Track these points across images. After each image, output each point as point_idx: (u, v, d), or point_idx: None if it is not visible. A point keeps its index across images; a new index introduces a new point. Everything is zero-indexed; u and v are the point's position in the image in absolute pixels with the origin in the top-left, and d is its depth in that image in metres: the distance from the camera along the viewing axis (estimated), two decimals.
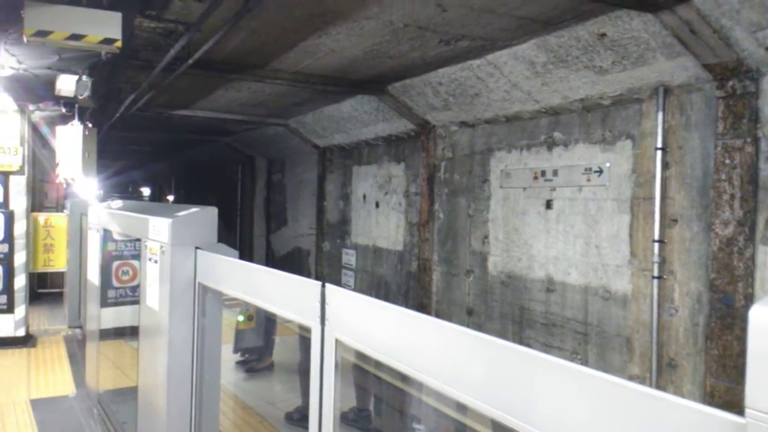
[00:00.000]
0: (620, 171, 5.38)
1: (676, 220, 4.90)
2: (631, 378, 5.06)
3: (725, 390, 4.35)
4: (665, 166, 4.97)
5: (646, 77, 4.94)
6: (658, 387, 4.92)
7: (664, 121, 4.96)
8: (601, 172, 5.55)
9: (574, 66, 5.27)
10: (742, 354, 4.26)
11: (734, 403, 4.26)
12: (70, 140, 7.73)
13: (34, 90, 7.18)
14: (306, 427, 2.31)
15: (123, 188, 32.58)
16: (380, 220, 9.44)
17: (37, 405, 5.84)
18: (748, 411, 0.94)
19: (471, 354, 1.58)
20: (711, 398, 4.43)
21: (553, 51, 5.26)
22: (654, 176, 5.03)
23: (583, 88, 5.47)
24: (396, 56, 6.14)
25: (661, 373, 4.98)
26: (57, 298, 10.83)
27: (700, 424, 1.03)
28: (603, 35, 4.77)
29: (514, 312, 6.55)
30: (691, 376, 4.77)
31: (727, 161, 4.35)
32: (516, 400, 1.43)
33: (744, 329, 4.23)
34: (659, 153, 4.98)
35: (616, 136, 5.43)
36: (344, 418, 5.20)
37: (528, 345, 4.71)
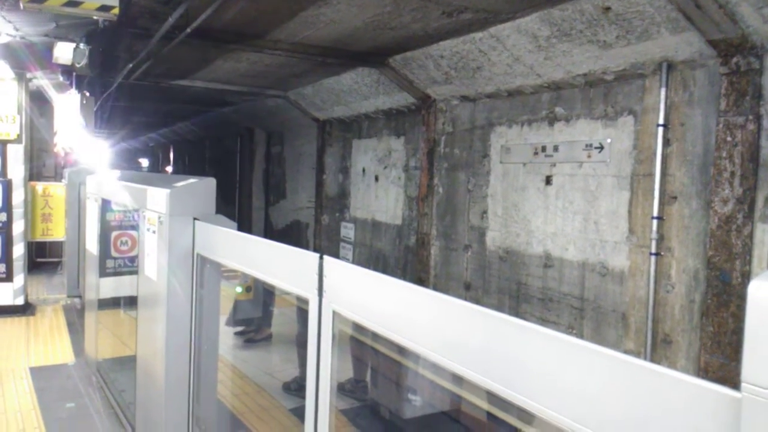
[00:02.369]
0: (621, 147, 5.35)
1: (675, 197, 4.89)
2: (625, 353, 5.11)
3: (719, 366, 4.39)
4: (666, 142, 4.95)
5: (649, 52, 4.88)
6: (653, 362, 4.95)
7: (666, 98, 4.92)
8: (601, 148, 5.52)
9: (578, 40, 5.21)
10: (737, 331, 4.29)
11: (728, 379, 4.31)
12: (68, 109, 7.67)
13: (32, 57, 7.10)
14: (303, 397, 2.33)
15: (121, 159, 32.44)
16: (379, 193, 9.42)
17: (37, 373, 5.89)
18: (744, 385, 0.94)
19: (467, 326, 1.59)
20: (705, 374, 4.47)
21: (557, 24, 5.19)
22: (655, 153, 5.01)
23: (586, 62, 5.41)
24: (397, 28, 6.06)
25: (656, 349, 5.02)
26: (56, 267, 10.86)
27: (697, 397, 1.03)
28: (608, 9, 4.71)
29: (512, 287, 6.58)
30: (685, 352, 4.80)
31: (729, 138, 4.33)
32: (512, 372, 1.44)
33: (740, 306, 4.26)
34: (661, 129, 4.95)
35: (618, 112, 5.40)
36: (341, 389, 5.25)
37: (524, 319, 4.74)
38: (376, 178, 9.51)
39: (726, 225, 4.36)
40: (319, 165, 11.31)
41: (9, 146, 7.92)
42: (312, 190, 11.82)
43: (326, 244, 11.11)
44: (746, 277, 4.24)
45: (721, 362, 4.38)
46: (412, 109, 8.43)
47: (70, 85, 7.91)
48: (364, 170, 9.90)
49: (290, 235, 13.17)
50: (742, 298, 4.24)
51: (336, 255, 10.41)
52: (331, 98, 9.90)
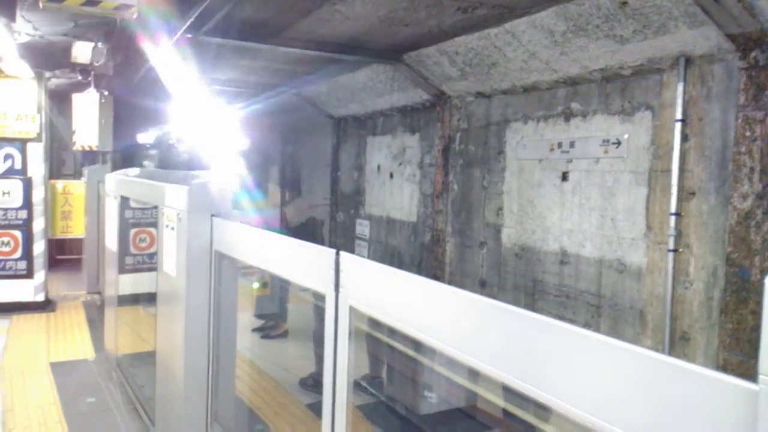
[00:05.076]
0: (638, 143, 5.31)
1: (693, 193, 4.85)
2: None
3: (738, 363, 4.35)
4: (684, 138, 4.90)
5: (667, 47, 4.84)
6: None
7: (684, 92, 4.87)
8: (619, 143, 5.49)
9: (594, 35, 5.18)
10: (756, 328, 4.25)
11: (747, 377, 4.26)
12: (86, 108, 7.75)
13: (50, 57, 7.19)
14: (319, 393, 2.35)
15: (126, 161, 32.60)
16: (394, 191, 9.43)
17: (57, 368, 5.98)
18: (761, 377, 0.94)
19: (485, 321, 1.59)
20: (723, 371, 4.43)
21: (573, 19, 5.16)
22: (672, 148, 4.96)
23: (602, 57, 5.37)
24: (412, 24, 6.06)
25: (674, 346, 4.98)
26: (75, 264, 11.00)
27: (714, 390, 1.03)
28: (624, 3, 4.67)
29: (527, 284, 6.55)
30: (703, 350, 4.77)
31: (748, 133, 4.28)
32: (530, 366, 1.44)
33: (759, 303, 4.21)
34: (678, 125, 4.91)
35: (635, 107, 5.36)
36: (357, 385, 5.27)
37: None
38: (391, 175, 9.52)
39: (745, 221, 4.31)
40: (334, 162, 11.33)
41: (29, 144, 8.03)
42: (327, 188, 11.85)
43: (342, 242, 11.14)
44: (765, 273, 4.19)
45: (740, 360, 4.34)
46: (426, 105, 8.43)
47: (89, 84, 7.99)
48: (378, 167, 9.91)
49: (305, 232, 13.19)
50: (761, 294, 4.20)
51: (351, 252, 10.41)
52: (345, 95, 9.92)
